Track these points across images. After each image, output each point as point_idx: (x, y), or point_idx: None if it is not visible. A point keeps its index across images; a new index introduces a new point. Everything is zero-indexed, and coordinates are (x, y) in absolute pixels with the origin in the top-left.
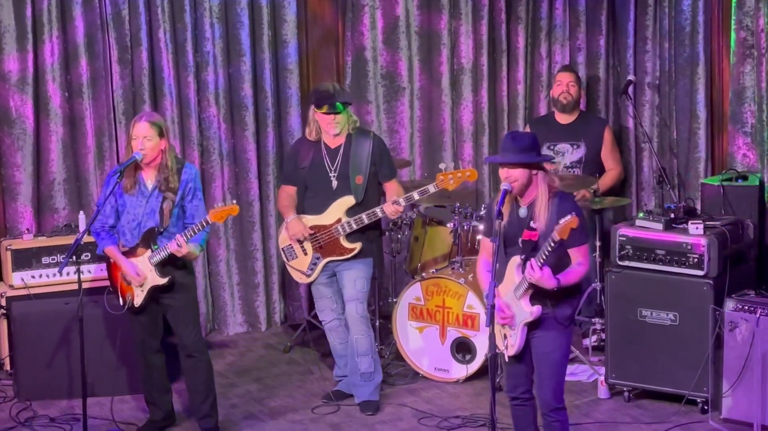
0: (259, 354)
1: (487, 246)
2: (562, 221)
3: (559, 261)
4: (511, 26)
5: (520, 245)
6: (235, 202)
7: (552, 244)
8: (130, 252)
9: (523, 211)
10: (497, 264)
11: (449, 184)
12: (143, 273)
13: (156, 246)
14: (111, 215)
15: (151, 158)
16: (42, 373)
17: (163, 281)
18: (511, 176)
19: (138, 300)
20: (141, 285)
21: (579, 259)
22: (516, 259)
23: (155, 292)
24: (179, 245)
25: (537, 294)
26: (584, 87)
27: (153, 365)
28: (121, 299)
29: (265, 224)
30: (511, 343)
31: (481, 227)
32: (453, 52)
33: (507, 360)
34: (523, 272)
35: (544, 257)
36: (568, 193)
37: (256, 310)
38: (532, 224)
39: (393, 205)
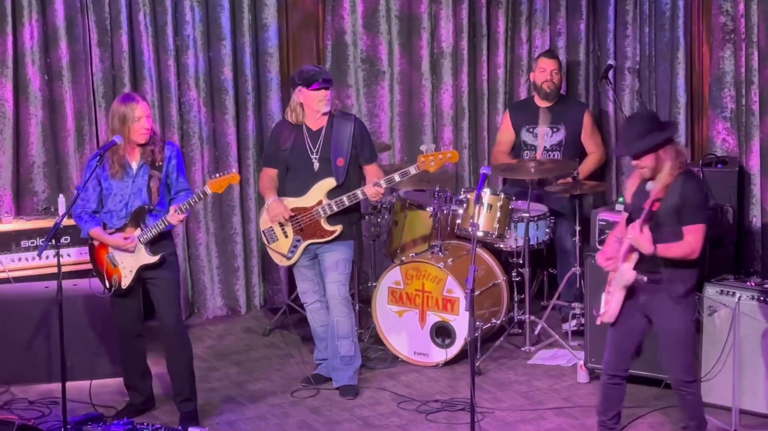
0: (239, 338)
1: (624, 219)
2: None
3: (671, 237)
4: (491, 10)
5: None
6: (234, 170)
7: (651, 204)
8: (117, 233)
9: (650, 185)
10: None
11: (430, 165)
12: (132, 238)
13: (145, 226)
14: (94, 200)
15: (149, 136)
16: (21, 357)
17: (155, 259)
18: (640, 164)
19: (126, 282)
20: (132, 252)
21: (689, 236)
22: (633, 224)
23: (142, 272)
24: (177, 216)
25: (653, 263)
26: (564, 72)
27: (133, 349)
28: (107, 282)
29: (245, 207)
30: (606, 307)
31: (460, 212)
32: (433, 36)
33: (597, 323)
34: None
35: (648, 216)
36: (695, 174)
37: (236, 294)
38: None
39: (374, 186)
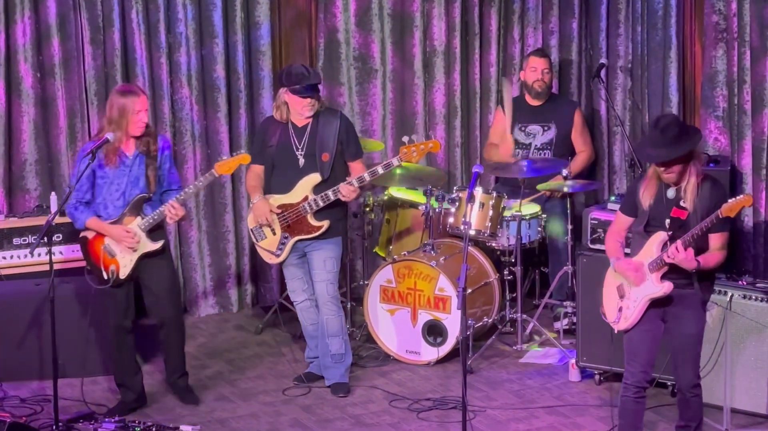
0: (231, 336)
1: (621, 221)
2: (732, 200)
3: (698, 246)
4: (483, 9)
5: (667, 225)
6: (243, 151)
7: (713, 221)
8: (116, 224)
9: (671, 192)
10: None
11: (412, 156)
12: (133, 233)
13: (145, 214)
14: (87, 190)
15: (144, 129)
16: (13, 354)
17: (157, 246)
18: (669, 170)
19: (125, 272)
20: (135, 249)
21: (719, 245)
22: (661, 234)
23: (140, 261)
24: (174, 208)
25: (684, 273)
26: (556, 70)
27: (124, 346)
28: (104, 273)
29: (237, 206)
30: (626, 315)
31: (453, 210)
32: (426, 34)
33: (615, 332)
34: (662, 249)
35: (691, 238)
36: (717, 179)
37: (228, 292)
38: (681, 203)
39: (347, 185)
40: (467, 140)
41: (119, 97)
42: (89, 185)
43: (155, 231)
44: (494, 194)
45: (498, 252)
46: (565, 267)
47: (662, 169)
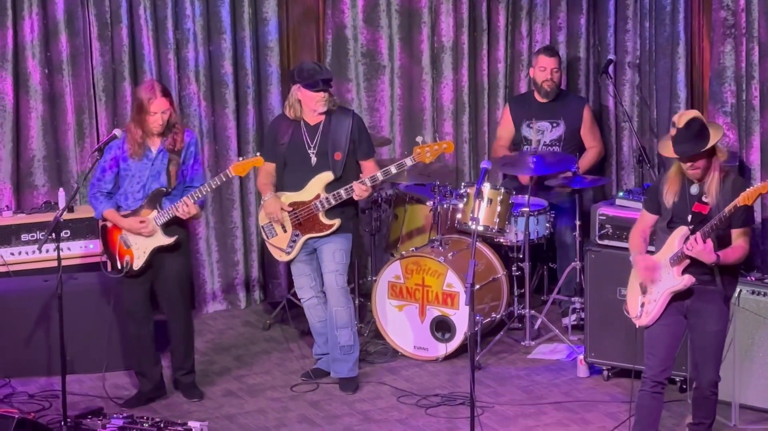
0: (239, 332)
1: (645, 218)
2: (749, 188)
3: (720, 241)
4: (491, 5)
5: (689, 220)
6: (259, 154)
7: (731, 210)
8: (132, 215)
9: (695, 188)
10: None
11: (426, 156)
12: (147, 222)
13: (161, 208)
14: (110, 180)
15: (164, 128)
16: (21, 350)
17: (170, 241)
18: (695, 165)
19: (138, 263)
20: (149, 235)
21: (741, 240)
22: (683, 229)
23: (155, 254)
24: (186, 206)
25: (706, 268)
26: (564, 67)
27: (143, 335)
28: (118, 263)
29: (245, 201)
30: (648, 310)
31: (461, 206)
32: (433, 30)
33: (638, 327)
34: (684, 243)
35: (710, 229)
36: (738, 175)
37: (236, 288)
38: (704, 198)
39: (360, 184)
40: (475, 136)
41: (140, 93)
42: (112, 176)
43: (171, 226)
44: (502, 190)
45: (506, 248)
46: (573, 263)
47: (688, 164)
